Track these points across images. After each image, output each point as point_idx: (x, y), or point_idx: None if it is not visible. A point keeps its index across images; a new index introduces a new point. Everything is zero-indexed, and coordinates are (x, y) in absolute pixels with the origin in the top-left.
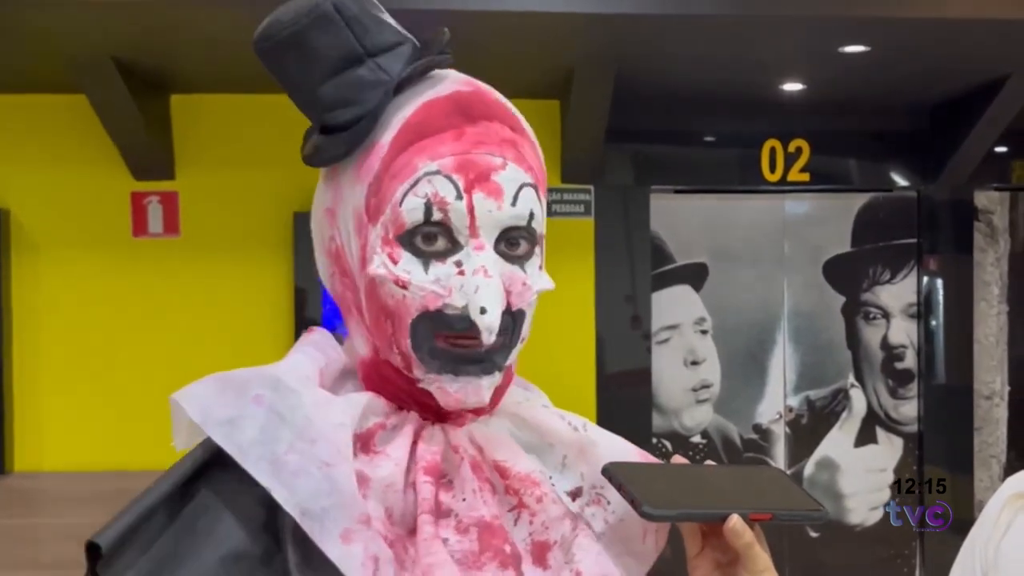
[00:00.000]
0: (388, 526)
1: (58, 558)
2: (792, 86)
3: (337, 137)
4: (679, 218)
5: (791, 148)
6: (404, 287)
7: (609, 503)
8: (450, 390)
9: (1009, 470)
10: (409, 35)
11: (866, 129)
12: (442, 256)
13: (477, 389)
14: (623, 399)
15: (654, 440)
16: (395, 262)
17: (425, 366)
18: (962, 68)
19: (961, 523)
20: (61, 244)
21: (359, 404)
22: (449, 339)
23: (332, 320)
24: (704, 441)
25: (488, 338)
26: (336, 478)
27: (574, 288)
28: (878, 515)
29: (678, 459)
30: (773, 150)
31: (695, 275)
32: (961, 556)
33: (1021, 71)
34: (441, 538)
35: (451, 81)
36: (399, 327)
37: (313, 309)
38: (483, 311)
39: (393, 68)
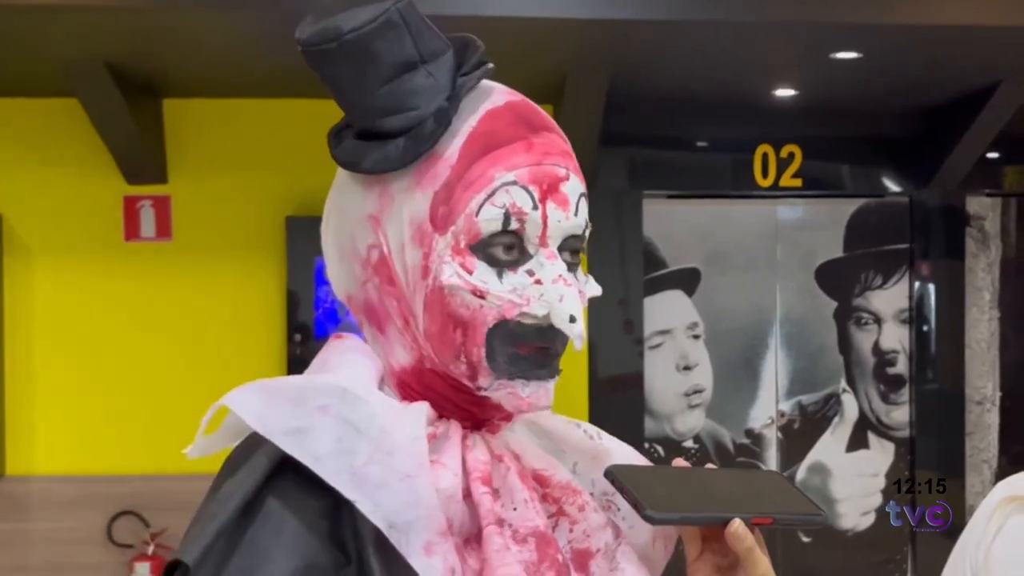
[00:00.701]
0: (449, 537)
1: (49, 562)
2: (784, 92)
3: (393, 144)
4: (672, 223)
5: (783, 153)
6: (482, 296)
7: (619, 509)
8: (523, 394)
9: (1000, 475)
10: (448, 42)
11: (858, 135)
12: (513, 265)
13: (547, 392)
14: (615, 404)
15: (646, 445)
16: (469, 271)
17: (496, 373)
18: (953, 74)
19: (953, 528)
20: (53, 248)
21: (423, 413)
22: (528, 347)
23: (325, 325)
24: (696, 446)
25: (579, 345)
26: (419, 490)
27: None
28: (870, 520)
29: (679, 462)
30: (766, 155)
31: (688, 280)
32: (952, 559)
33: (1012, 78)
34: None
35: (499, 91)
36: (472, 336)
37: (306, 313)
38: (572, 319)
39: (442, 74)
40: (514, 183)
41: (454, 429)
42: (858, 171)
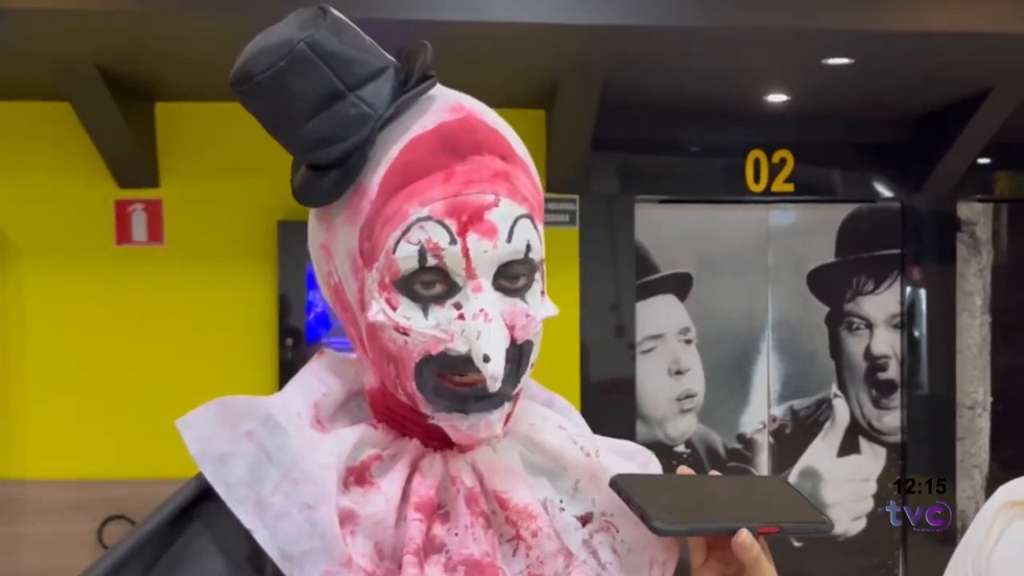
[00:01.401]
0: (377, 562)
1: (40, 567)
2: (776, 97)
3: (326, 177)
4: (664, 228)
5: (775, 159)
6: (405, 333)
7: (618, 531)
8: (461, 427)
9: (992, 480)
10: (390, 57)
11: (850, 140)
12: (440, 299)
13: (489, 424)
14: (607, 408)
15: None
16: (394, 308)
17: (433, 405)
18: (945, 81)
19: (947, 531)
20: (45, 251)
21: (349, 440)
22: (454, 379)
23: (316, 330)
24: (688, 451)
25: (494, 385)
26: (317, 521)
27: (559, 297)
28: (861, 524)
29: (684, 470)
30: (757, 161)
31: (680, 285)
32: (953, 563)
33: (1003, 84)
34: None
35: (437, 108)
36: (402, 370)
37: (297, 318)
38: (486, 359)
39: (377, 99)
40: (428, 218)
41: (410, 450)
42: (850, 176)
